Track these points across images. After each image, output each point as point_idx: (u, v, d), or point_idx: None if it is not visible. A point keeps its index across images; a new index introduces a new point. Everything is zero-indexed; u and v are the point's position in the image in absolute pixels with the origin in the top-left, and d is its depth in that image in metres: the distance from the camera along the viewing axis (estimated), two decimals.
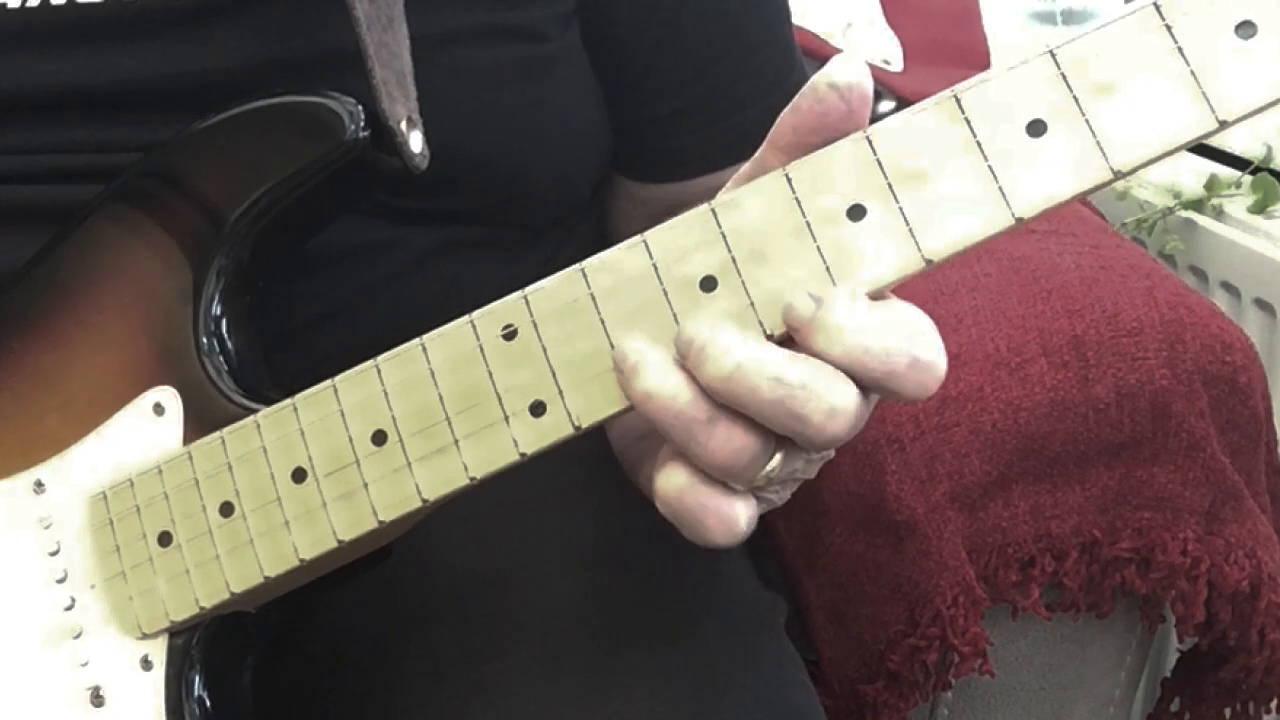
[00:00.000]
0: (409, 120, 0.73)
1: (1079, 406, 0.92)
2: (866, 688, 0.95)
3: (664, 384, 0.59)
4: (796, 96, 0.60)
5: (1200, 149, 1.49)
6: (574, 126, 0.87)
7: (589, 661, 0.74)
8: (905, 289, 0.60)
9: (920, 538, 0.92)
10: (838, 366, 0.58)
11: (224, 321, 0.74)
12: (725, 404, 0.59)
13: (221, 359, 0.73)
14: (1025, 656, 0.99)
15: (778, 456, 0.61)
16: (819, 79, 0.60)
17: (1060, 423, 0.92)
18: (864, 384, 0.58)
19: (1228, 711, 1.03)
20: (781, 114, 0.61)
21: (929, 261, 0.59)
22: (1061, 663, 1.00)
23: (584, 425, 0.63)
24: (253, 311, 0.75)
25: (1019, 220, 0.58)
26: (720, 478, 0.61)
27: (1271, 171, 1.36)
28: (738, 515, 0.61)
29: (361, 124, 0.72)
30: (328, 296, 0.82)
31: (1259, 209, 1.34)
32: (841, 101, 0.60)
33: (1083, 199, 0.57)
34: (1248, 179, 1.36)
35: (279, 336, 0.77)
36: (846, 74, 0.59)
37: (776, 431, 0.59)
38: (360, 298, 0.82)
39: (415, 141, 0.73)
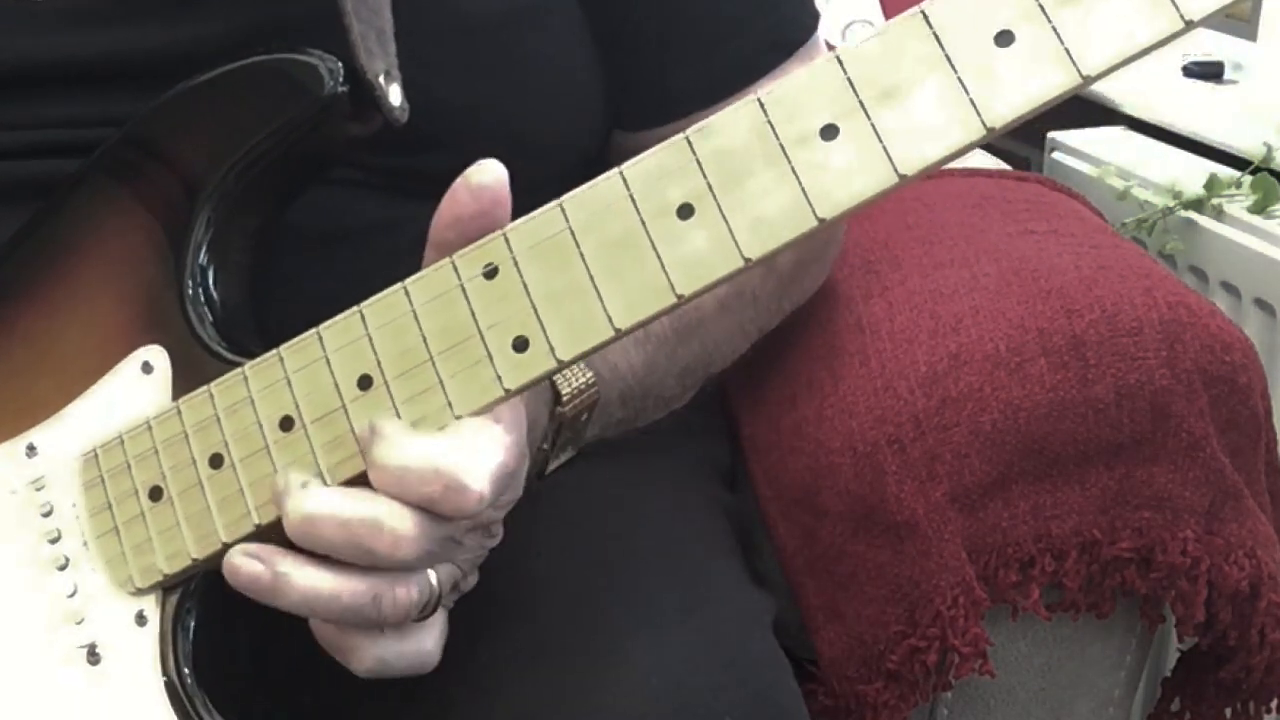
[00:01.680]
0: (387, 74, 0.73)
1: (1079, 406, 0.92)
2: (866, 688, 0.95)
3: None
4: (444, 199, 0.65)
5: (1200, 149, 1.49)
6: (568, 77, 0.87)
7: (571, 656, 0.74)
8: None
9: (920, 538, 0.92)
10: (383, 491, 0.63)
11: (210, 272, 0.75)
12: (313, 550, 0.64)
13: (206, 309, 0.74)
14: (1025, 656, 0.99)
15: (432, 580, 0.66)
16: (458, 181, 0.64)
17: (1060, 423, 0.92)
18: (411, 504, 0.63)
19: (1228, 711, 1.03)
20: (435, 215, 0.65)
21: (903, 176, 0.59)
22: (1061, 663, 1.00)
23: (565, 358, 0.64)
24: (238, 269, 0.76)
25: (990, 130, 0.58)
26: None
27: (1271, 171, 1.36)
28: (430, 648, 0.68)
29: (340, 79, 0.72)
30: (338, 273, 0.82)
31: (1259, 209, 1.34)
32: (473, 201, 0.64)
33: (1053, 106, 0.57)
34: (1248, 179, 1.36)
35: (289, 314, 0.77)
36: (480, 176, 0.64)
37: (359, 565, 0.64)
38: (372, 275, 0.82)
39: (394, 95, 0.73)
